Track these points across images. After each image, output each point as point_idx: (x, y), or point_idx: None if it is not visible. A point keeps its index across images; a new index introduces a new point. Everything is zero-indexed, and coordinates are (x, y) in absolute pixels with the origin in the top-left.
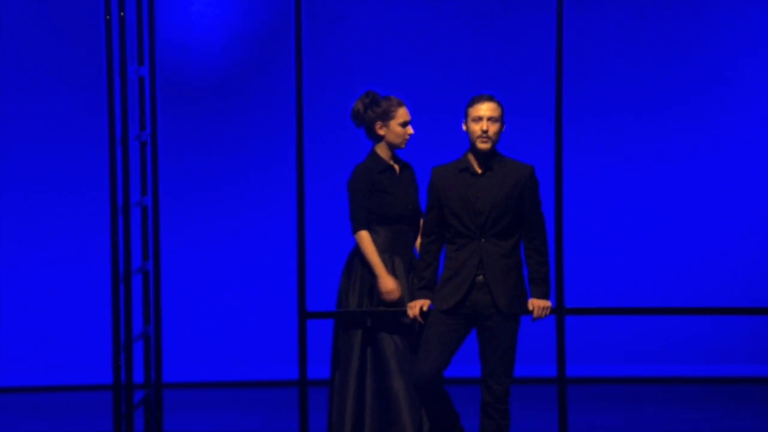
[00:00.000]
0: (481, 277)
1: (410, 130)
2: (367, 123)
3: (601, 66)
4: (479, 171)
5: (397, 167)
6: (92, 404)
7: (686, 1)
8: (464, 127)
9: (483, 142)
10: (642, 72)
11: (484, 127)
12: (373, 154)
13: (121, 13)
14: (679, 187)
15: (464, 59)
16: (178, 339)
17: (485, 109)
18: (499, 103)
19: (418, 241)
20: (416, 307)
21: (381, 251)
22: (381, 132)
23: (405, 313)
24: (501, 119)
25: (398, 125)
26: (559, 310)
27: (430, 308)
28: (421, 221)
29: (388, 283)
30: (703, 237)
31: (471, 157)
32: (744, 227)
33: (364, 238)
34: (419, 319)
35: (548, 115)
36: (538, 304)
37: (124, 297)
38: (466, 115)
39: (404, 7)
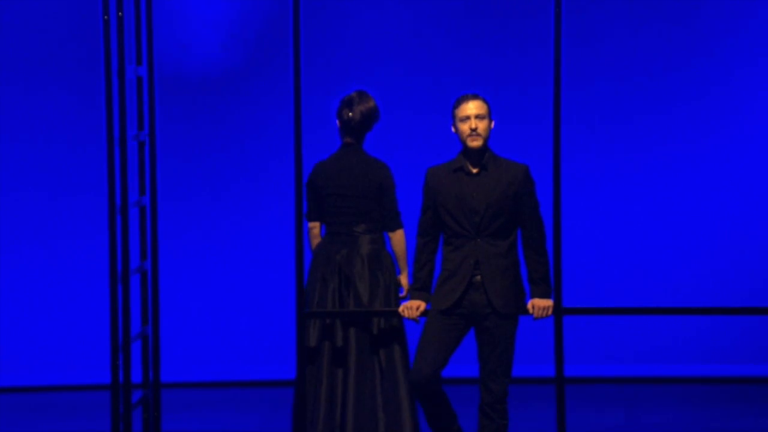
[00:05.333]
0: (478, 277)
1: None
2: (374, 122)
3: (599, 66)
4: (473, 171)
5: None
6: (90, 404)
7: (687, 2)
8: (453, 129)
9: (473, 140)
10: (641, 72)
11: (473, 126)
12: (366, 154)
13: (119, 13)
14: (678, 187)
15: (461, 60)
16: (176, 339)
17: (471, 107)
18: (485, 101)
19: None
20: (413, 308)
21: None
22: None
23: (394, 313)
24: (488, 116)
25: None
26: (557, 310)
27: (426, 308)
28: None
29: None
30: (703, 237)
31: (464, 158)
32: (743, 227)
33: (403, 235)
34: (416, 320)
35: (546, 116)
36: (538, 304)
37: (122, 297)
38: (453, 117)
39: (403, 6)
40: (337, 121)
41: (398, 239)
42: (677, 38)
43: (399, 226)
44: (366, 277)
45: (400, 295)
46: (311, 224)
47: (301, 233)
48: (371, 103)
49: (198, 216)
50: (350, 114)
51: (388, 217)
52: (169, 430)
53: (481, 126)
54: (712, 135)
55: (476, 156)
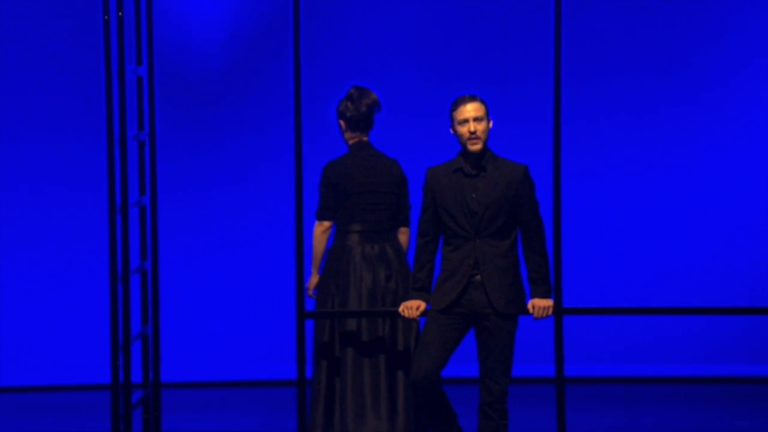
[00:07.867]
0: (478, 277)
1: None
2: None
3: (600, 66)
4: (473, 171)
5: None
6: (90, 404)
7: (687, 2)
8: (452, 131)
9: (473, 143)
10: (641, 72)
11: (471, 129)
12: (379, 150)
13: (120, 13)
14: (678, 187)
15: (462, 59)
16: (176, 339)
17: (469, 110)
18: (482, 101)
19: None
20: (413, 308)
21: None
22: None
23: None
24: (486, 117)
25: None
26: (557, 310)
27: (426, 308)
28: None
29: None
30: (702, 237)
31: (464, 159)
32: (743, 227)
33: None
34: (416, 320)
35: (547, 115)
36: (538, 304)
37: (122, 297)
38: (451, 119)
39: (403, 6)
40: (341, 121)
41: (408, 234)
42: (678, 38)
43: (410, 221)
44: (402, 272)
45: None
46: (324, 224)
47: (301, 233)
48: (373, 95)
49: (198, 216)
50: (356, 109)
51: (403, 211)
52: (169, 430)
53: (480, 128)
54: (711, 135)
55: (475, 157)
